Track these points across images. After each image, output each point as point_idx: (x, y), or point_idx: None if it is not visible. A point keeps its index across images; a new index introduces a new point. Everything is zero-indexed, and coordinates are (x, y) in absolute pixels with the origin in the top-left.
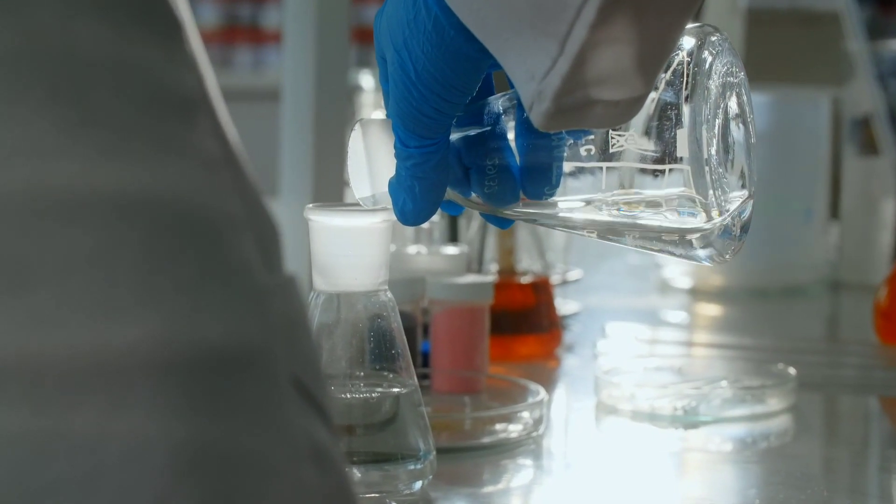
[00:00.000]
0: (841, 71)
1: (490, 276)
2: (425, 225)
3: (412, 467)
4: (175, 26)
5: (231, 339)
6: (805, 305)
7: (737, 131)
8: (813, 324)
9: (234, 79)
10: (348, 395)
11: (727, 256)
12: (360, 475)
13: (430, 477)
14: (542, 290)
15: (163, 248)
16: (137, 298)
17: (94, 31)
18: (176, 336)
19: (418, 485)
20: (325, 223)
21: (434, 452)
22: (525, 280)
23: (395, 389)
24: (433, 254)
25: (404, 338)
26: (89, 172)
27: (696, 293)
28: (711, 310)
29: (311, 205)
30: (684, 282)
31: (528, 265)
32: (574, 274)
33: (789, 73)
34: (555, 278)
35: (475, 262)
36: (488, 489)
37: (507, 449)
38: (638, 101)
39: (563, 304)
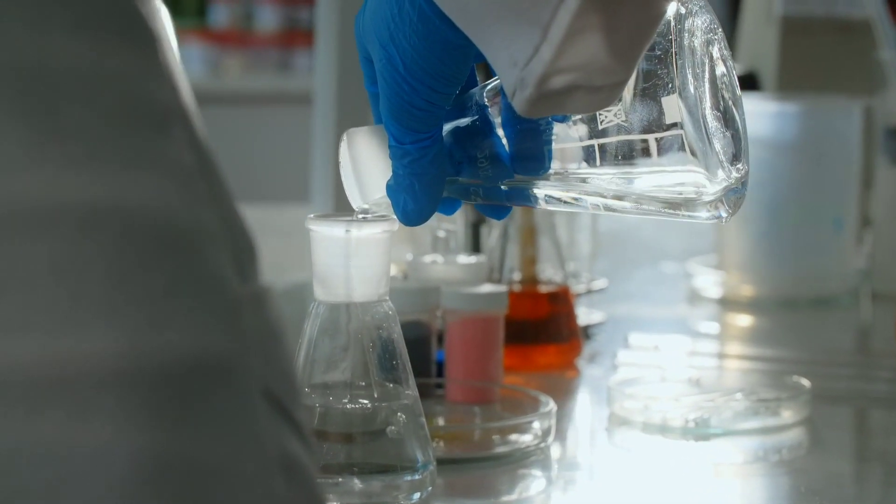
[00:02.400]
0: (874, 80)
1: (504, 285)
2: (441, 233)
3: (409, 478)
4: (150, 39)
5: (200, 351)
6: (835, 316)
7: (724, 86)
8: (843, 335)
9: (293, 82)
10: (347, 406)
11: (729, 212)
12: (360, 485)
13: (430, 488)
14: (561, 299)
15: (130, 260)
16: (102, 310)
17: (67, 44)
18: (142, 347)
19: (417, 496)
20: (325, 233)
21: (434, 464)
22: (545, 289)
23: (394, 400)
24: (449, 263)
25: (405, 348)
26: (55, 185)
27: (726, 303)
28: (740, 320)
29: (311, 215)
30: (714, 291)
31: (551, 274)
32: (599, 283)
33: (824, 82)
34: (579, 287)
35: (496, 272)
36: (493, 500)
37: (514, 460)
38: (619, 86)
39: (588, 314)
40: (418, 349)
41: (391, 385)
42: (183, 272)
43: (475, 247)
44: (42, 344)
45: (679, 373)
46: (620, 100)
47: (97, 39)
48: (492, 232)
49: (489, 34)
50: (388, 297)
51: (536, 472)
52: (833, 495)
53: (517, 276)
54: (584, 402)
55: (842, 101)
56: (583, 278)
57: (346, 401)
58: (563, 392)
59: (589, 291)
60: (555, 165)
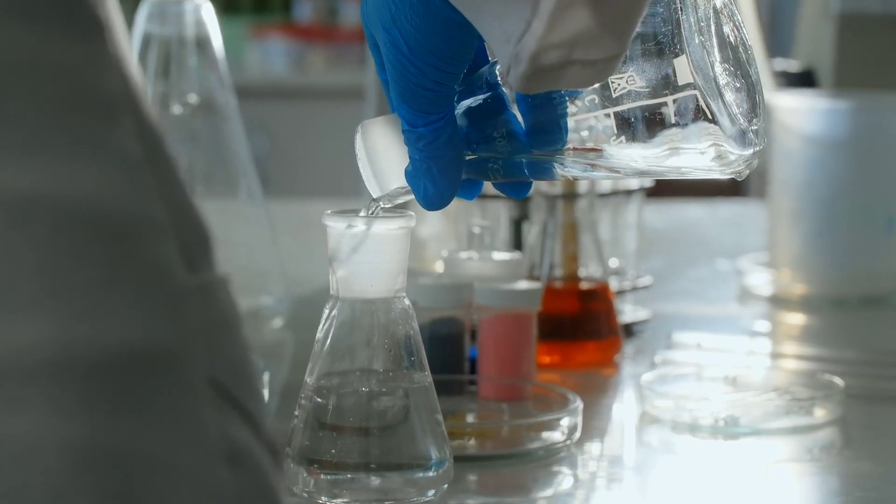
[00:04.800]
0: None
1: (539, 282)
2: (476, 229)
3: (422, 475)
4: (97, 27)
5: (138, 340)
6: (887, 315)
7: (732, 39)
8: (894, 334)
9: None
10: (359, 401)
11: (745, 167)
12: (372, 482)
13: (446, 486)
14: (601, 296)
15: (65, 250)
16: (33, 300)
17: (10, 33)
18: (77, 336)
19: (431, 493)
20: (341, 229)
21: (451, 461)
22: (584, 286)
23: (407, 397)
24: (484, 259)
25: (421, 345)
26: None
27: (777, 301)
28: (790, 318)
29: (329, 211)
30: (765, 290)
31: (594, 272)
32: (644, 280)
33: (881, 79)
34: (625, 284)
35: (537, 268)
36: (519, 498)
37: (539, 458)
38: (614, 60)
39: (634, 311)
40: (451, 345)
41: (405, 381)
42: (122, 262)
43: (517, 243)
44: None
45: (716, 371)
46: (631, 65)
47: (41, 28)
48: (531, 228)
49: (483, 11)
50: (404, 294)
51: (565, 470)
52: (860, 496)
53: (559, 272)
54: (617, 400)
55: (893, 99)
56: (628, 275)
57: (358, 396)
58: (598, 389)
59: (634, 289)
60: (572, 137)
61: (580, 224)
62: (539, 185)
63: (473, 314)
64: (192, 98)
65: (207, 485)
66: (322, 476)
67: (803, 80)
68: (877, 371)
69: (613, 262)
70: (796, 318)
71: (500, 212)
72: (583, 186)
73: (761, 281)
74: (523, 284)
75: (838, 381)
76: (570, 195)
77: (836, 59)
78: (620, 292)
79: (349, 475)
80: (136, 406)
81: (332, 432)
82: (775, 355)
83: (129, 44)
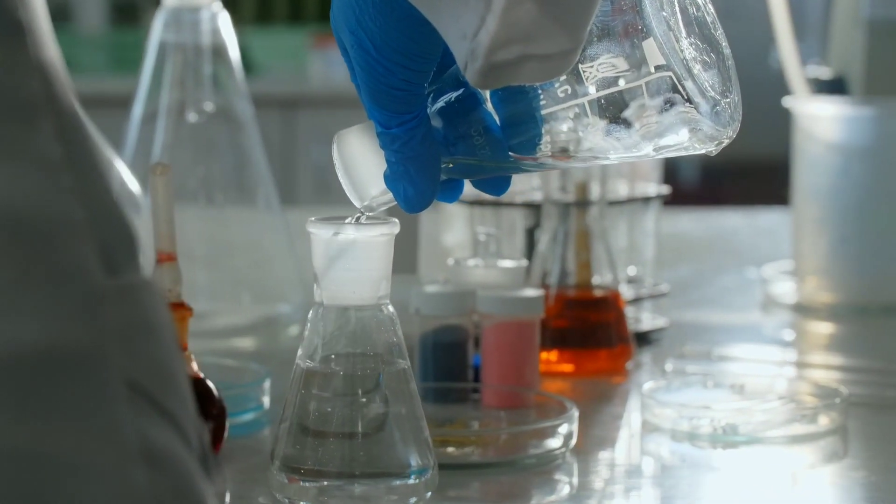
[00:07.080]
0: None
1: (542, 290)
2: (481, 237)
3: (399, 483)
4: (17, 31)
5: (49, 341)
6: None
7: (696, 11)
8: None
9: None
10: (339, 408)
11: (723, 140)
12: (348, 489)
13: (429, 494)
14: (611, 304)
15: None
16: None
17: None
18: None
19: (413, 501)
20: (324, 236)
21: (433, 469)
22: (594, 294)
23: (389, 403)
24: (489, 266)
25: (405, 352)
26: None
27: (801, 309)
28: (813, 327)
29: (312, 218)
30: (790, 298)
31: (606, 278)
32: (662, 288)
33: None
34: (642, 292)
35: (549, 276)
36: None
37: (533, 466)
38: (571, 54)
39: (652, 319)
40: (454, 353)
41: (387, 387)
42: (35, 263)
43: (530, 251)
44: None
45: (724, 379)
46: (601, 52)
47: None
48: (543, 236)
49: (439, 9)
50: (388, 301)
51: (562, 478)
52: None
53: (572, 280)
54: (621, 409)
55: None
56: (646, 283)
57: (340, 403)
58: (605, 398)
59: (651, 296)
60: (547, 127)
61: (592, 232)
62: (551, 193)
63: (477, 322)
64: (209, 106)
65: (121, 485)
66: (302, 483)
67: (835, 86)
68: (886, 380)
69: (631, 270)
70: (819, 327)
71: (516, 220)
72: (594, 194)
73: (786, 289)
74: (526, 292)
75: (843, 389)
76: (582, 203)
77: (866, 66)
78: (637, 300)
79: (326, 483)
80: (45, 407)
81: (313, 439)
82: (788, 364)
83: (54, 46)
